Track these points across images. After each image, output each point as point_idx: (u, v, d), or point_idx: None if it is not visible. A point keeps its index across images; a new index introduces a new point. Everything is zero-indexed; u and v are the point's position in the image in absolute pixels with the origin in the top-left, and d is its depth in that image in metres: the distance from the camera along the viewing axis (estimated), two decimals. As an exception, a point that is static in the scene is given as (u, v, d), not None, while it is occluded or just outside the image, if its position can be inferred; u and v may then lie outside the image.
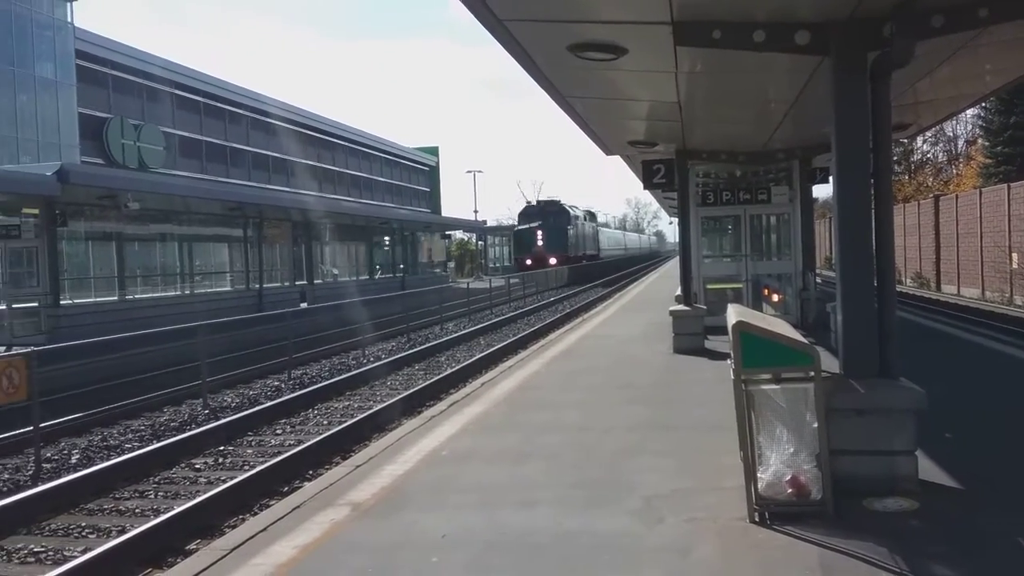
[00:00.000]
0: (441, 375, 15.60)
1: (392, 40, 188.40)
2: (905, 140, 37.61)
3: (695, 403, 9.26)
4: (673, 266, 47.66)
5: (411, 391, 13.86)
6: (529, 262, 51.83)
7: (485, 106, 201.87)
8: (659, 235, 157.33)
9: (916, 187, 49.78)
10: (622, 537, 5.06)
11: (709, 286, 16.10)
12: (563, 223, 55.18)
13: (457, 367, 16.60)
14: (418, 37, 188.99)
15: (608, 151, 16.06)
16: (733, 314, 5.96)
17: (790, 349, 5.23)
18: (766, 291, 16.56)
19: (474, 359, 17.59)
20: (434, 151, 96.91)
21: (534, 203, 58.48)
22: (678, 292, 15.20)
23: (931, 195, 39.23)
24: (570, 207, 58.84)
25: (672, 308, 14.12)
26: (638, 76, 8.92)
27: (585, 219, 63.66)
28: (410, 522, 5.55)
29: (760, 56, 6.86)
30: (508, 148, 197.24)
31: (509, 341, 20.87)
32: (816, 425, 5.08)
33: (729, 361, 5.54)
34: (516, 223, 58.61)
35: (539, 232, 53.84)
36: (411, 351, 19.73)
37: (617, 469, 6.63)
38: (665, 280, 37.89)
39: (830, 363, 6.00)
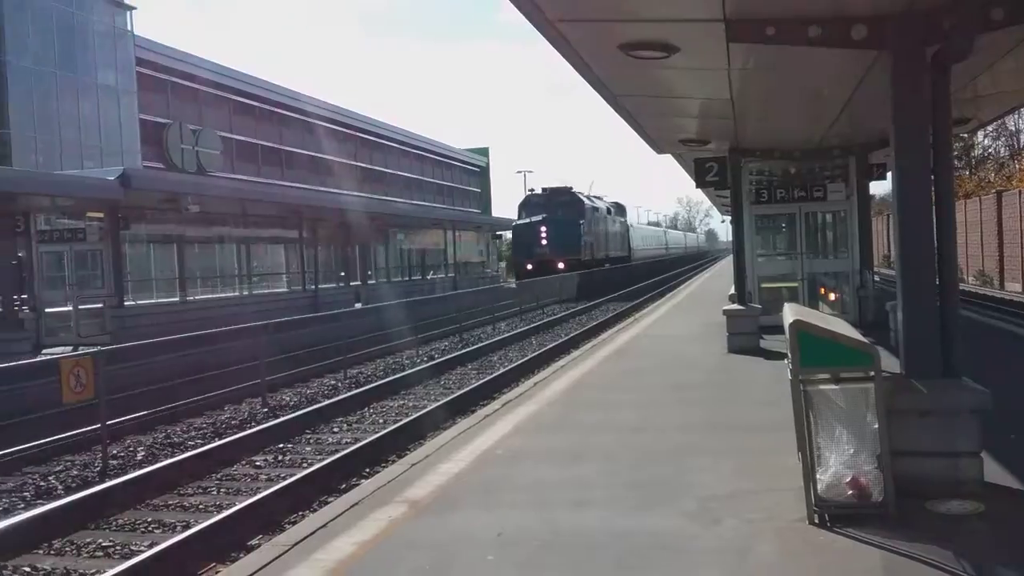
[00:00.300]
0: (494, 375, 15.67)
1: (444, 43, 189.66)
2: (965, 135, 36.67)
3: (751, 403, 9.17)
4: (725, 265, 47.03)
5: (465, 390, 13.97)
6: (530, 267, 40.33)
7: (536, 107, 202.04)
8: (710, 234, 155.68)
9: (977, 183, 48.41)
10: (678, 538, 5.04)
11: (763, 285, 15.92)
12: (574, 216, 42.75)
13: (510, 367, 16.66)
14: (470, 39, 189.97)
15: (659, 150, 15.98)
16: (790, 313, 5.89)
17: (849, 348, 5.16)
18: (822, 290, 16.32)
19: (526, 359, 17.64)
20: (484, 152, 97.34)
21: (538, 191, 45.52)
22: (731, 291, 15.06)
23: (993, 191, 38.12)
24: (587, 197, 46.76)
25: (726, 307, 13.98)
26: (690, 74, 8.88)
27: (609, 213, 50.92)
28: (466, 520, 5.61)
29: (815, 51, 6.77)
30: (559, 148, 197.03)
31: (561, 341, 20.88)
32: (877, 426, 5.00)
33: (786, 361, 5.48)
34: (516, 217, 45.62)
35: (542, 228, 41.42)
36: (464, 351, 19.87)
37: (672, 469, 6.60)
38: (717, 279, 37.47)
39: (890, 363, 5.91)
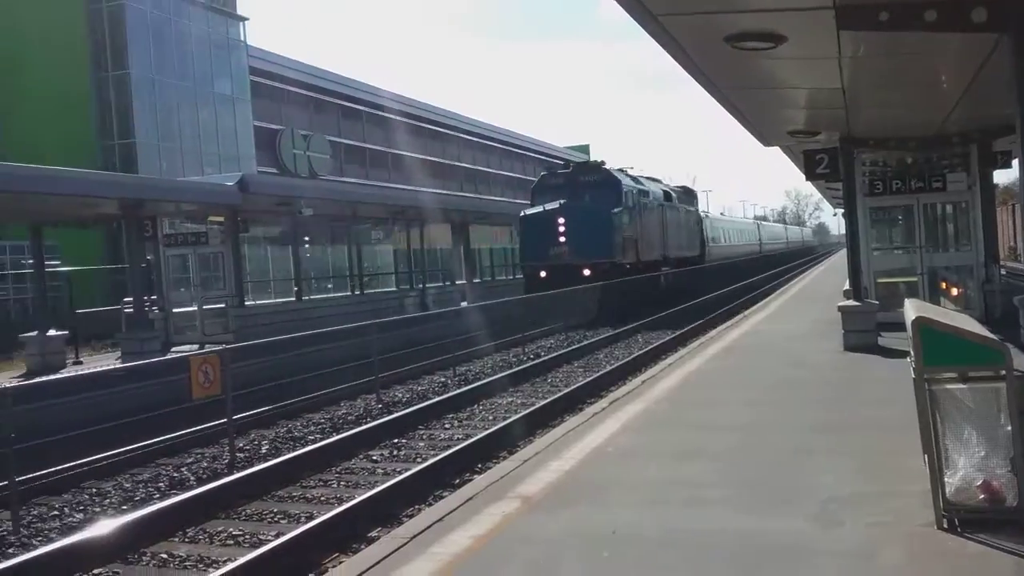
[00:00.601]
0: (600, 372, 15.66)
1: (543, 42, 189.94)
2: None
3: (870, 403, 8.88)
4: (837, 261, 45.36)
5: (572, 388, 14.03)
6: (544, 274, 27.97)
7: (637, 102, 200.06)
8: (820, 227, 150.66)
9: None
10: (798, 540, 4.95)
11: (880, 280, 15.38)
12: (605, 202, 29.38)
13: (616, 364, 16.62)
14: (569, 38, 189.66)
15: (766, 142, 15.67)
16: (912, 309, 5.70)
17: (977, 345, 4.94)
18: (943, 284, 15.64)
19: (633, 356, 17.56)
20: (585, 149, 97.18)
21: (559, 170, 32.95)
22: (846, 287, 14.62)
23: None
24: (630, 176, 33.14)
25: (841, 304, 13.59)
26: (798, 63, 8.70)
27: (669, 199, 36.94)
28: (579, 517, 5.65)
29: (932, 36, 6.54)
30: (660, 143, 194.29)
31: (668, 338, 20.66)
32: (1009, 427, 4.79)
33: (909, 359, 5.31)
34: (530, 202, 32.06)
35: (559, 220, 28.54)
36: (569, 348, 19.91)
37: (789, 470, 6.49)
38: (831, 275, 36.29)
39: (1022, 361, 5.64)
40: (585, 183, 30.39)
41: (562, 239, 28.42)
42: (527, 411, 12.18)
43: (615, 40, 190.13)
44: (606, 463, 7.09)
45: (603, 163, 32.57)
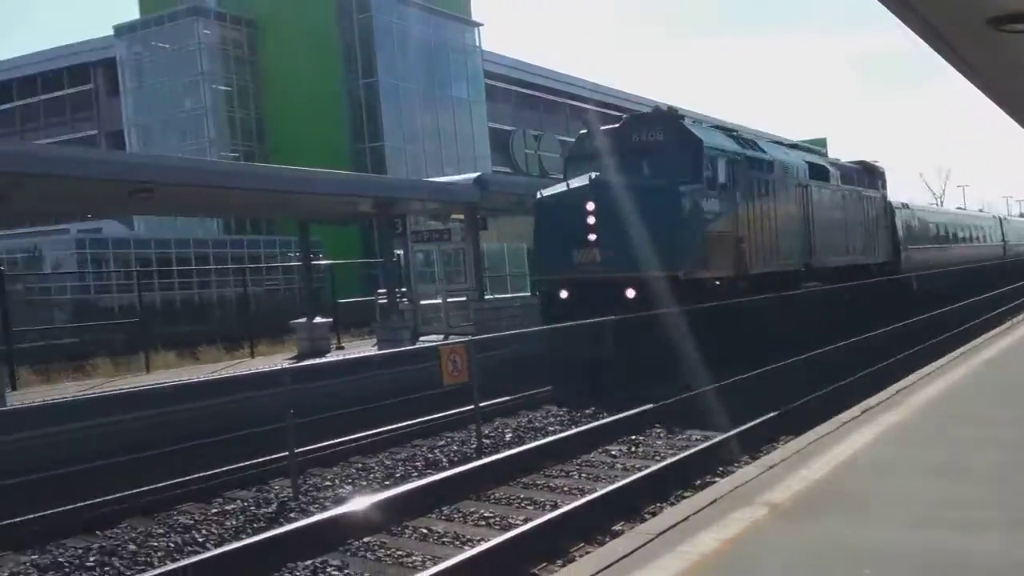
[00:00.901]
0: (847, 380, 14.86)
1: (772, 35, 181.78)
2: None
3: None
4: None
5: (816, 395, 13.45)
6: (565, 294, 16.33)
7: (881, 93, 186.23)
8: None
9: None
10: (1097, 576, 4.52)
11: None
12: (671, 175, 16.39)
13: (867, 371, 15.69)
14: (799, 28, 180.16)
15: (1037, 132, 14.20)
16: None
17: None
18: None
19: (887, 362, 16.47)
20: (821, 143, 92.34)
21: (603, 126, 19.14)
22: None
23: None
24: (733, 136, 19.84)
25: None
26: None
27: (823, 176, 22.74)
28: (832, 529, 5.46)
29: None
30: (908, 136, 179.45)
31: (925, 344, 19.17)
32: None
33: None
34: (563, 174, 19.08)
35: (588, 204, 15.72)
36: (808, 353, 18.93)
37: (1078, 497, 5.90)
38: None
39: None
40: (642, 146, 17.67)
41: (591, 236, 16.14)
42: (767, 416, 11.85)
43: (852, 28, 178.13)
44: (859, 475, 6.79)
45: (677, 113, 18.85)
